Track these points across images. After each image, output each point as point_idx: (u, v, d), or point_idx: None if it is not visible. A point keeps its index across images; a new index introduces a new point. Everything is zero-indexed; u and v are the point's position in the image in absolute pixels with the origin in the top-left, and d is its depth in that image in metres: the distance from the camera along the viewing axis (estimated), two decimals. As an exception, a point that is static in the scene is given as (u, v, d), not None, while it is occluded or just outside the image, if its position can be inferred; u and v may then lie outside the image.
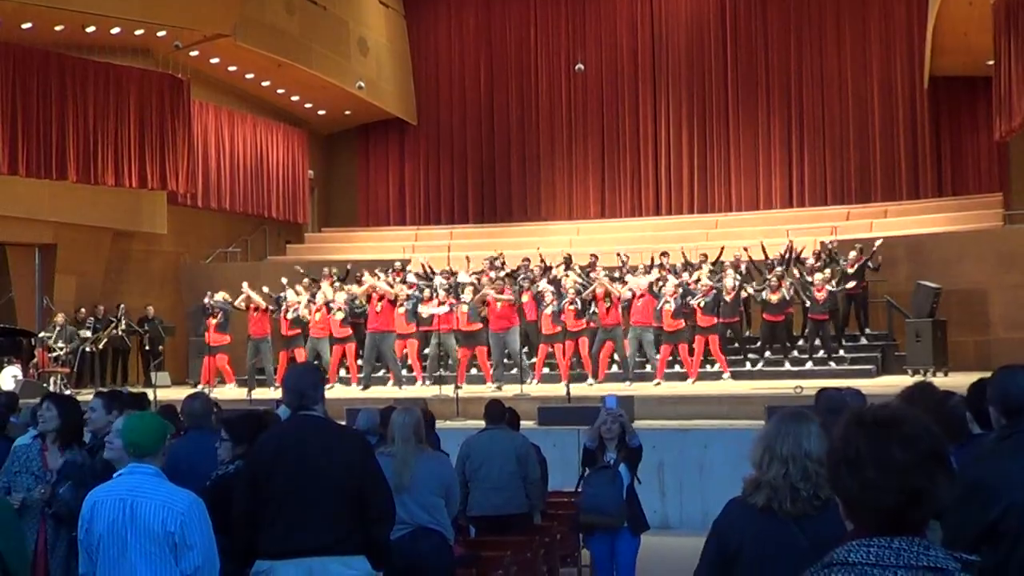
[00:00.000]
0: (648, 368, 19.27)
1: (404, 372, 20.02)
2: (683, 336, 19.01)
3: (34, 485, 6.26)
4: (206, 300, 21.02)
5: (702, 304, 18.93)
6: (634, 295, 18.95)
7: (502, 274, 20.89)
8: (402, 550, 6.36)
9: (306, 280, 21.98)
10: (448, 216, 29.85)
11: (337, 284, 21.66)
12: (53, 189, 22.01)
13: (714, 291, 19.17)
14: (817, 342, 19.84)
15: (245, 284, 20.97)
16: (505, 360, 19.44)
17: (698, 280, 19.52)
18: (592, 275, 20.17)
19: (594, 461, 8.36)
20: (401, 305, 19.78)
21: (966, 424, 5.02)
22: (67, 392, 18.91)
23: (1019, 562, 3.62)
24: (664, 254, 22.02)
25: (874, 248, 20.24)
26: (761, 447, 3.78)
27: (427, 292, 20.10)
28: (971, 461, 4.06)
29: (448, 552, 7.10)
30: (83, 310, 22.29)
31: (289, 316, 20.35)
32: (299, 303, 20.47)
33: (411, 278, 21.63)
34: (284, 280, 21.84)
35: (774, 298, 19.54)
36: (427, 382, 19.62)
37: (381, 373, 20.25)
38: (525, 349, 19.78)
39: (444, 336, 19.46)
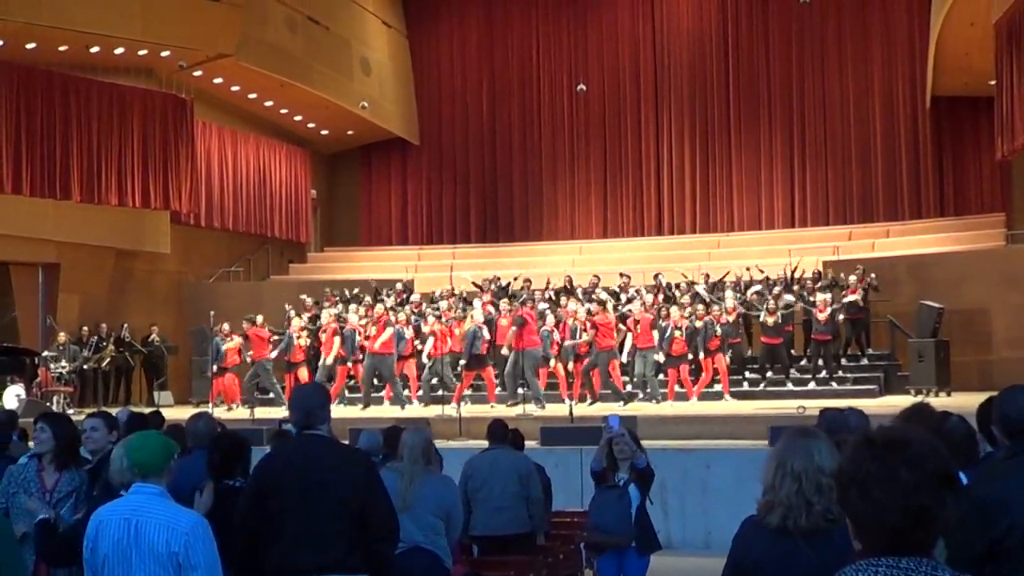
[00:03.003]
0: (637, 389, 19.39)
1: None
2: (685, 359, 19.17)
3: (35, 507, 6.22)
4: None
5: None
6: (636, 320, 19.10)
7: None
8: (396, 568, 6.35)
9: (308, 301, 22.11)
10: (450, 236, 29.88)
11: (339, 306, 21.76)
12: (57, 208, 22.06)
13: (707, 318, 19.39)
14: (819, 362, 19.85)
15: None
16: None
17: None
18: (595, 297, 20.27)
19: (604, 480, 8.36)
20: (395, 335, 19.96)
21: (973, 444, 5.03)
22: (70, 411, 18.96)
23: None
24: (657, 275, 22.08)
25: (871, 277, 20.33)
26: (773, 465, 3.78)
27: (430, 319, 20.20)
28: (976, 481, 4.08)
29: (443, 573, 7.06)
30: (85, 329, 22.27)
31: (302, 343, 20.57)
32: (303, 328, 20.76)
33: (411, 297, 21.73)
34: (288, 307, 21.96)
35: (771, 320, 19.57)
36: (422, 403, 19.73)
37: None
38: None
39: (436, 360, 19.57)
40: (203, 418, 7.52)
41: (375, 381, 20.01)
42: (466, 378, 19.40)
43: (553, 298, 21.50)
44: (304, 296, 22.59)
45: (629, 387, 19.32)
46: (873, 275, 20.51)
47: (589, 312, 19.05)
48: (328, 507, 5.29)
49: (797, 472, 3.70)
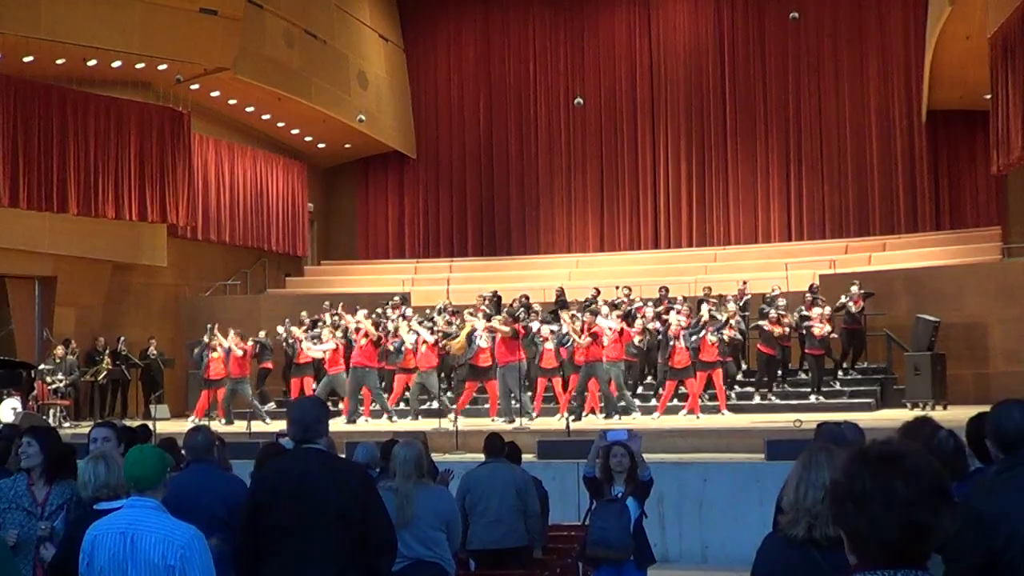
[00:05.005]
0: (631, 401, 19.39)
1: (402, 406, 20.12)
2: (688, 373, 19.12)
3: (27, 521, 6.20)
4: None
5: (711, 339, 18.96)
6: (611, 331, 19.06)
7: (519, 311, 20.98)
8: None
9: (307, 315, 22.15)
10: (447, 249, 29.89)
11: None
12: (53, 221, 22.05)
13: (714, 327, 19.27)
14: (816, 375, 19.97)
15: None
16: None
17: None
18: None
19: (600, 493, 8.35)
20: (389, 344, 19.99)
21: (962, 458, 5.03)
22: (66, 425, 18.96)
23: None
24: (663, 288, 22.04)
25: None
26: (795, 482, 3.82)
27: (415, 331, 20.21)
28: (973, 494, 4.08)
29: (448, 584, 7.07)
30: (61, 347, 22.15)
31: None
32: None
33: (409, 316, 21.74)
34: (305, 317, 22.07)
35: (776, 331, 19.62)
36: (416, 417, 19.76)
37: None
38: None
39: (424, 374, 19.63)
40: (201, 431, 7.51)
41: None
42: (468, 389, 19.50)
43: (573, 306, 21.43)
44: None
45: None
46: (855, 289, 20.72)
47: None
48: (326, 520, 5.28)
49: (822, 483, 3.73)
